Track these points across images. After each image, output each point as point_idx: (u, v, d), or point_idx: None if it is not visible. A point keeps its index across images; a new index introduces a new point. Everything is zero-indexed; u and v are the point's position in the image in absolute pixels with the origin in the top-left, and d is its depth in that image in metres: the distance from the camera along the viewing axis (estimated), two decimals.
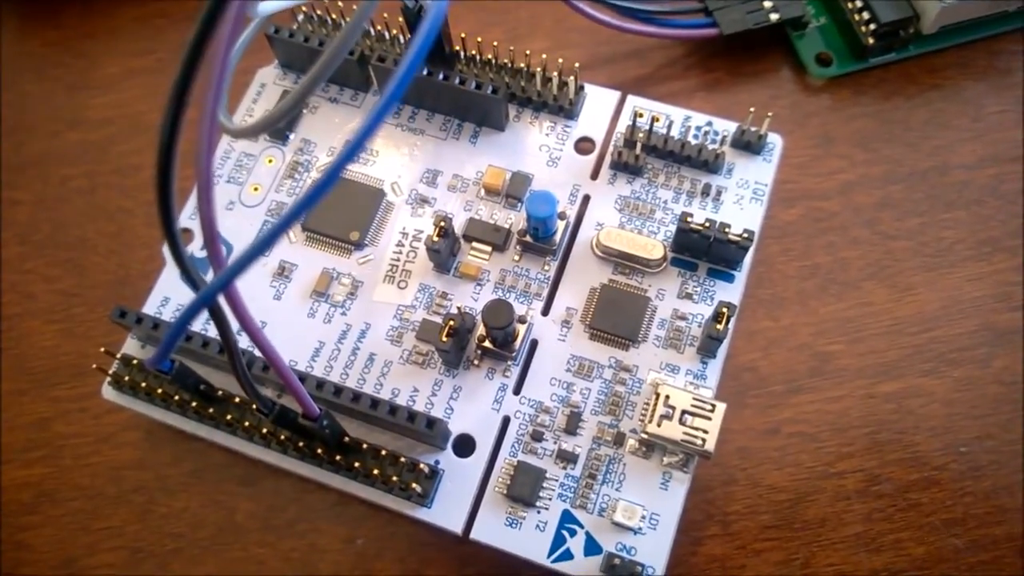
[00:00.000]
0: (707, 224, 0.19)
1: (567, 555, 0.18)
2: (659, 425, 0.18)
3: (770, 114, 0.20)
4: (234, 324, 0.14)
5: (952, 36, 0.24)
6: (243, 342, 0.18)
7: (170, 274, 0.21)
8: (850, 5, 0.24)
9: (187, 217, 0.22)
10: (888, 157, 0.23)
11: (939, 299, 0.22)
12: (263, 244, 0.11)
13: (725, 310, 0.18)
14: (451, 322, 0.18)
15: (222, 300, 0.13)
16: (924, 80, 0.24)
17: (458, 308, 0.20)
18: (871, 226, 0.23)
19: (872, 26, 0.23)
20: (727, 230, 0.19)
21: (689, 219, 0.19)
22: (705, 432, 0.18)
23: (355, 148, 0.12)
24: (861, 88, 0.24)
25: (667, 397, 0.18)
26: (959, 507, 0.20)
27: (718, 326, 0.18)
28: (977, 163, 0.23)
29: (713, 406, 0.18)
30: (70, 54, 0.28)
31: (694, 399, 0.18)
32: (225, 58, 0.12)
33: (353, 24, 0.12)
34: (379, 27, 0.22)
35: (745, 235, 0.19)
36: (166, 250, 0.22)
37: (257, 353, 0.18)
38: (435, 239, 0.20)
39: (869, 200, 0.23)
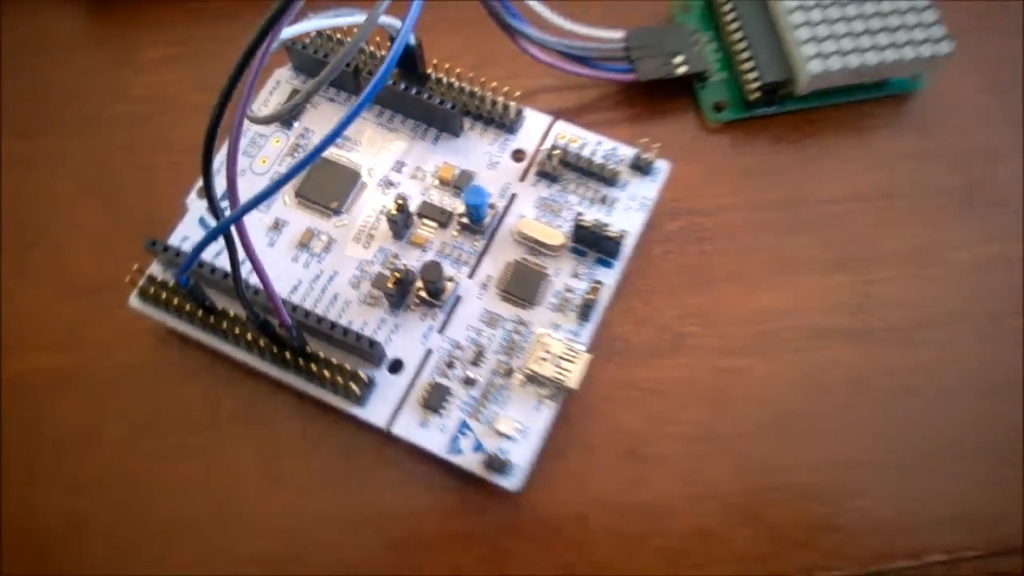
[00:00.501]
0: (595, 223, 0.26)
1: (458, 450, 0.24)
2: (539, 364, 0.25)
3: (658, 144, 0.27)
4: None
5: (822, 98, 0.31)
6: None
7: (189, 220, 0.28)
8: (743, 66, 0.30)
9: None
10: (760, 187, 0.30)
11: (781, 301, 0.28)
12: (267, 193, 0.18)
13: (597, 285, 0.25)
14: (396, 274, 0.25)
15: (234, 231, 0.19)
16: (802, 129, 0.31)
17: (404, 265, 0.26)
18: (737, 240, 0.29)
19: (756, 83, 0.30)
20: (607, 229, 0.26)
21: (582, 218, 0.26)
22: (570, 372, 0.25)
23: (336, 133, 0.18)
24: (749, 132, 0.31)
25: (547, 345, 0.25)
26: (769, 457, 0.26)
27: (590, 296, 0.25)
28: (832, 199, 0.30)
29: (579, 354, 0.25)
30: (122, 40, 0.34)
31: (566, 347, 0.25)
32: (258, 68, 0.18)
33: (350, 46, 0.18)
34: (372, 47, 0.29)
35: (619, 233, 0.25)
36: (188, 200, 0.28)
37: (253, 280, 0.25)
38: (394, 212, 0.26)
39: (738, 220, 0.29)
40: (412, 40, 0.26)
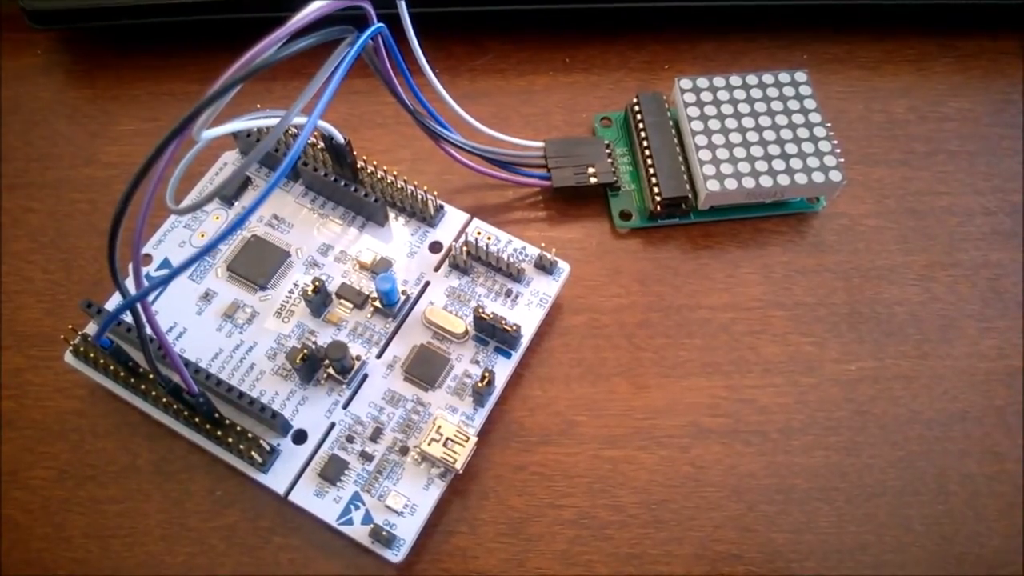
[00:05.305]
0: (492, 315, 0.28)
1: (349, 521, 0.26)
2: (429, 445, 0.27)
3: (553, 249, 0.29)
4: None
5: (722, 213, 0.34)
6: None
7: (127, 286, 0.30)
8: (649, 181, 0.33)
9: (151, 247, 0.31)
10: (656, 292, 0.32)
11: (664, 398, 0.31)
12: (156, 284, 0.20)
13: (487, 375, 0.27)
14: (304, 351, 0.27)
15: (140, 308, 0.22)
16: (699, 241, 0.34)
17: (313, 343, 0.28)
18: (630, 339, 0.32)
19: (659, 197, 0.33)
20: (503, 322, 0.28)
21: (481, 310, 0.28)
22: (458, 455, 0.27)
23: (243, 219, 0.21)
24: (651, 240, 0.34)
25: (440, 427, 0.27)
26: (640, 546, 0.28)
27: (480, 384, 0.27)
28: (720, 307, 0.32)
29: (468, 438, 0.27)
30: (97, 109, 0.37)
31: (457, 431, 0.27)
32: (160, 172, 0.21)
33: (249, 158, 0.21)
34: (313, 138, 0.32)
35: (514, 326, 0.28)
36: (130, 267, 0.31)
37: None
38: (310, 294, 0.29)
39: (633, 320, 0.32)
40: (341, 138, 0.29)
